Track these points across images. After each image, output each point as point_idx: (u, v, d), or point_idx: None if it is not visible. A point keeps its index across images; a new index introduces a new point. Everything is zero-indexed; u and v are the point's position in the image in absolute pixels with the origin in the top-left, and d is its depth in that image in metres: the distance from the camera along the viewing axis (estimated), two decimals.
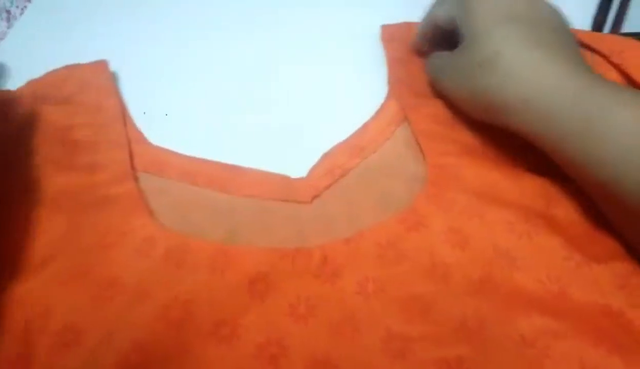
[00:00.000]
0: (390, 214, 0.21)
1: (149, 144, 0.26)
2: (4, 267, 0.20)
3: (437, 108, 0.25)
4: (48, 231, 0.21)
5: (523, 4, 0.22)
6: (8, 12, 0.36)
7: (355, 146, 0.25)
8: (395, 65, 0.28)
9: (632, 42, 0.25)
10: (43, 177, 0.22)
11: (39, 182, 0.22)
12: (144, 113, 0.27)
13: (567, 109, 0.18)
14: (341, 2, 0.34)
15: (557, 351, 0.16)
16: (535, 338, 0.17)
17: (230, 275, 0.19)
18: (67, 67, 0.29)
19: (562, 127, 0.18)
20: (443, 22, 0.25)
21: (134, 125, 0.27)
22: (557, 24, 0.22)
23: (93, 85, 0.28)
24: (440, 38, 0.27)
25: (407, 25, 0.30)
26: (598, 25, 0.30)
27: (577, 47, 0.22)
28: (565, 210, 0.21)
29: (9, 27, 0.35)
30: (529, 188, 0.21)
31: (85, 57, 0.29)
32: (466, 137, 0.24)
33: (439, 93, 0.26)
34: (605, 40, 0.26)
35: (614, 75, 0.24)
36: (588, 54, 0.25)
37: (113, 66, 0.30)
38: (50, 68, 0.29)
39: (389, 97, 0.27)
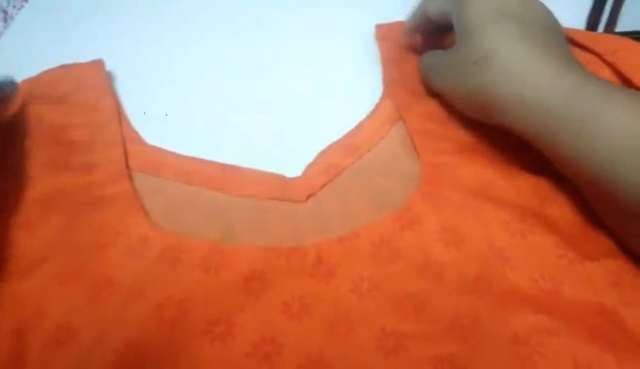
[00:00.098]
0: (385, 213, 0.22)
1: (145, 144, 0.26)
2: None
3: (432, 107, 0.25)
4: (43, 231, 0.21)
5: (516, 2, 0.22)
6: (5, 11, 0.36)
7: (350, 145, 0.25)
8: (389, 65, 0.28)
9: (626, 41, 0.25)
10: (38, 176, 0.23)
11: (34, 182, 0.22)
12: (144, 113, 0.27)
13: (561, 107, 0.18)
14: (336, 2, 0.34)
15: (550, 348, 0.16)
16: (528, 335, 0.17)
17: (225, 274, 0.19)
18: (63, 67, 0.29)
19: (556, 124, 0.18)
20: (435, 16, 0.25)
21: (129, 125, 0.27)
22: (549, 22, 0.22)
23: (89, 84, 0.28)
24: (432, 30, 0.27)
25: (401, 24, 0.30)
26: (592, 24, 0.30)
27: (568, 46, 0.22)
28: (559, 208, 0.21)
29: (5, 27, 0.35)
30: (523, 187, 0.22)
31: (83, 56, 0.29)
32: (461, 135, 0.24)
33: (433, 92, 0.26)
34: (599, 39, 0.26)
35: (607, 73, 0.24)
36: (582, 53, 0.25)
37: (110, 66, 0.30)
38: (48, 68, 0.29)
39: (384, 96, 0.27)
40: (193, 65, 0.31)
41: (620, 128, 0.17)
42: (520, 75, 0.20)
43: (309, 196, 0.23)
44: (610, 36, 0.26)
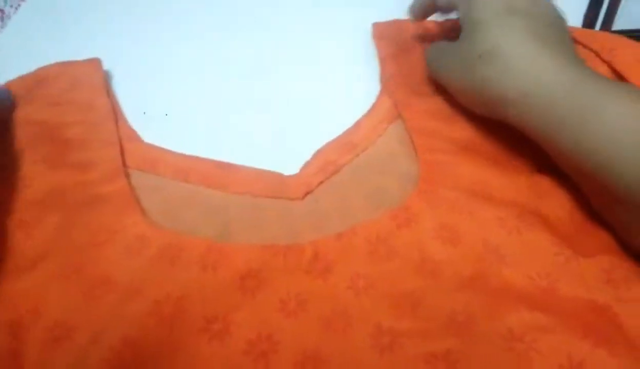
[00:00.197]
0: (382, 211, 0.22)
1: (142, 142, 0.26)
2: None
3: (431, 104, 0.25)
4: (40, 230, 0.21)
5: None
6: (2, 11, 0.36)
7: (348, 143, 0.25)
8: (387, 63, 0.28)
9: (622, 39, 0.25)
10: (35, 175, 0.23)
11: (31, 181, 0.22)
12: (144, 113, 0.27)
13: (563, 102, 0.18)
14: (334, 1, 0.34)
15: (545, 345, 0.17)
16: (523, 332, 0.17)
17: (222, 271, 0.20)
18: (59, 64, 0.29)
19: (558, 119, 0.19)
20: (443, 2, 0.25)
21: (126, 123, 0.27)
22: (554, 19, 0.22)
23: (84, 83, 0.28)
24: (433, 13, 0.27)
25: (398, 22, 0.30)
26: (589, 22, 0.30)
27: (572, 42, 0.22)
28: (555, 207, 0.21)
29: (2, 26, 0.35)
30: (520, 186, 0.22)
31: (81, 56, 0.29)
32: (459, 134, 0.24)
33: (436, 86, 0.26)
34: (596, 37, 0.26)
35: (604, 71, 0.24)
36: (580, 50, 0.25)
37: (109, 65, 0.30)
38: None
39: (381, 93, 0.27)
40: (193, 65, 0.31)
41: (622, 124, 0.17)
42: (524, 70, 0.20)
43: (306, 194, 0.23)
44: (607, 34, 0.26)
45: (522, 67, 0.20)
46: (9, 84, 0.27)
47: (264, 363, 0.17)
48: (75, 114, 0.26)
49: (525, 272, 0.19)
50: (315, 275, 0.20)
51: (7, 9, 0.36)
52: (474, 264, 0.19)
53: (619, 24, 0.30)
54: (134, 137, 0.26)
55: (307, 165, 0.25)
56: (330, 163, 0.24)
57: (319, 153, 0.25)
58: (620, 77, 0.24)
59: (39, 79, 0.28)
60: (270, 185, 0.24)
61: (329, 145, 0.25)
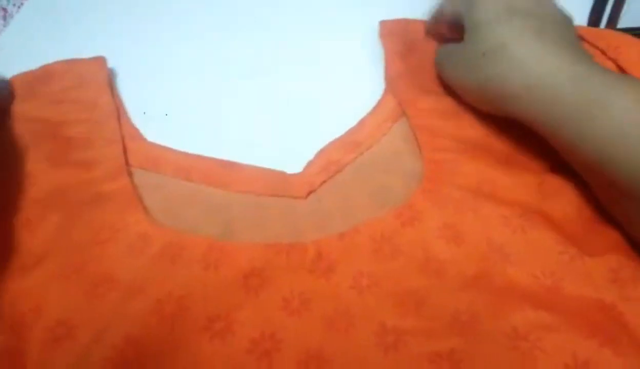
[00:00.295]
0: (385, 209, 0.22)
1: (144, 140, 0.26)
2: None
3: (436, 103, 0.25)
4: (43, 228, 0.21)
5: None
6: (4, 9, 0.36)
7: (352, 142, 0.25)
8: (393, 60, 0.28)
9: (627, 37, 0.25)
10: (37, 173, 0.23)
11: (34, 179, 0.22)
12: (144, 113, 0.27)
13: (569, 96, 0.18)
14: (336, 1, 0.34)
15: (550, 344, 0.16)
16: (528, 331, 0.17)
17: (224, 270, 0.20)
18: (64, 62, 0.29)
19: (564, 113, 0.19)
20: (449, 16, 0.26)
21: (129, 122, 0.27)
22: (559, 17, 0.22)
23: (88, 80, 0.28)
24: (444, 32, 0.27)
25: (406, 21, 0.30)
26: (594, 20, 0.30)
27: (578, 40, 0.22)
28: (560, 205, 0.21)
29: (5, 25, 0.35)
30: (524, 184, 0.22)
31: (82, 55, 0.29)
32: (464, 132, 0.24)
33: (442, 85, 0.26)
34: (602, 35, 0.26)
35: (610, 68, 0.24)
36: (586, 48, 0.25)
37: (110, 65, 0.30)
38: None
39: (386, 92, 0.27)
40: (194, 65, 0.31)
41: (629, 118, 0.17)
42: (529, 65, 0.20)
43: (309, 193, 0.23)
44: (612, 32, 0.26)
45: (526, 61, 0.20)
46: (11, 79, 0.27)
47: (267, 362, 0.17)
48: (79, 112, 0.26)
49: (530, 271, 0.19)
50: (318, 273, 0.19)
51: (10, 8, 0.36)
52: (479, 263, 0.19)
53: (624, 22, 0.30)
54: (137, 135, 0.26)
55: (310, 164, 0.25)
56: (333, 162, 0.24)
57: (322, 152, 0.25)
58: (625, 74, 0.23)
59: (42, 76, 0.28)
60: (273, 184, 0.24)
61: (332, 144, 0.25)
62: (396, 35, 0.29)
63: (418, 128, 0.24)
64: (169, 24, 0.34)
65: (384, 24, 0.30)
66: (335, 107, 0.28)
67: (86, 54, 0.29)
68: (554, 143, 0.20)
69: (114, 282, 0.19)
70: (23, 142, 0.24)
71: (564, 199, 0.21)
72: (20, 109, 0.26)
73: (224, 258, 0.20)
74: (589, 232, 0.20)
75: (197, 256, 0.20)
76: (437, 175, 0.22)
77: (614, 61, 0.24)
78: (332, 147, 0.25)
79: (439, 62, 0.26)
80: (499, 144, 0.23)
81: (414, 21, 0.30)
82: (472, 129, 0.24)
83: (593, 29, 0.27)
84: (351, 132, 0.26)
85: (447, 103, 0.25)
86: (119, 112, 0.27)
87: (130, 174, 0.23)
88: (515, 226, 0.20)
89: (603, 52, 0.25)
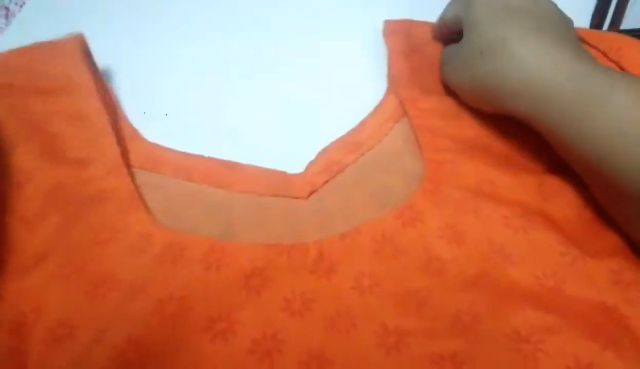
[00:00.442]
0: (387, 210, 0.22)
1: (144, 140, 0.26)
2: None
3: (437, 103, 0.25)
4: (42, 228, 0.21)
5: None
6: (7, 8, 0.36)
7: (353, 142, 0.25)
8: (396, 60, 0.28)
9: (629, 39, 0.25)
10: (32, 169, 0.22)
11: (31, 175, 0.22)
12: (144, 113, 0.27)
13: (567, 93, 0.18)
14: (337, 0, 0.34)
15: (552, 346, 0.16)
16: (530, 333, 0.17)
17: (226, 270, 0.19)
18: (41, 44, 0.27)
19: (562, 110, 0.19)
20: (451, 22, 0.26)
21: (128, 122, 0.27)
22: (558, 17, 0.22)
23: (64, 61, 0.26)
24: (450, 38, 0.27)
25: (410, 21, 0.30)
26: (597, 21, 0.30)
27: (577, 39, 0.22)
28: (562, 206, 0.21)
29: (7, 24, 0.35)
30: (525, 185, 0.22)
31: None
32: (465, 133, 0.24)
33: (444, 86, 0.26)
34: (603, 37, 0.26)
35: None
36: (587, 50, 0.25)
37: (110, 64, 0.30)
38: None
39: (388, 92, 0.27)
40: (193, 64, 0.31)
41: (627, 116, 0.17)
42: (527, 62, 0.20)
43: (310, 193, 0.23)
44: (614, 34, 0.26)
45: (524, 58, 0.20)
46: None
47: (268, 363, 0.17)
48: (59, 96, 0.24)
49: (531, 272, 0.19)
50: (320, 274, 0.19)
51: (12, 7, 0.36)
52: (480, 263, 0.19)
53: (627, 23, 0.30)
54: (136, 135, 0.26)
55: (311, 164, 0.25)
56: (335, 162, 0.24)
57: (323, 152, 0.25)
58: None
59: (18, 57, 0.26)
60: (274, 184, 0.23)
61: (333, 144, 0.25)
62: (400, 36, 0.29)
63: (419, 128, 0.24)
64: (170, 24, 0.34)
65: (388, 24, 0.30)
66: (336, 107, 0.28)
67: None
68: (553, 142, 0.20)
69: (115, 282, 0.19)
70: (12, 139, 0.23)
71: (564, 200, 0.21)
72: (4, 95, 0.24)
73: (225, 258, 0.20)
74: (589, 233, 0.20)
75: (199, 256, 0.20)
76: (438, 176, 0.22)
77: (616, 63, 0.24)
78: (334, 147, 0.25)
79: (441, 64, 0.27)
80: (499, 145, 0.23)
81: (418, 22, 0.30)
82: (473, 130, 0.24)
83: (594, 31, 0.27)
84: (352, 132, 0.26)
85: (449, 103, 0.25)
86: (116, 111, 0.26)
87: (131, 175, 0.23)
88: (516, 226, 0.20)
89: (605, 54, 0.25)
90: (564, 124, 0.19)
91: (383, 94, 0.27)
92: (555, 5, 0.23)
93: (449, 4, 0.27)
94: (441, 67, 0.26)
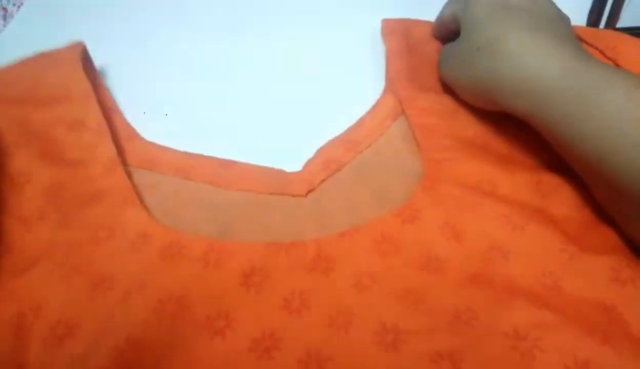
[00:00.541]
0: (385, 208, 0.22)
1: (142, 140, 0.26)
2: None
3: (436, 101, 0.25)
4: (40, 227, 0.21)
5: None
6: (4, 9, 0.36)
7: (351, 140, 0.25)
8: (394, 58, 0.28)
9: (626, 37, 0.25)
10: (31, 171, 0.22)
11: (28, 176, 0.22)
12: (144, 113, 0.27)
13: (564, 89, 0.18)
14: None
15: (549, 343, 0.16)
16: (527, 330, 0.17)
17: (224, 268, 0.19)
18: (41, 54, 0.27)
19: (558, 106, 0.19)
20: (448, 21, 0.26)
21: (125, 121, 0.27)
22: (554, 15, 0.22)
23: (63, 70, 0.26)
24: (449, 37, 0.27)
25: (408, 20, 0.30)
26: (594, 19, 0.30)
27: (575, 37, 0.22)
28: (560, 204, 0.21)
29: (5, 25, 0.35)
30: (524, 183, 0.22)
31: None
32: (463, 131, 0.24)
33: (443, 85, 0.26)
34: (600, 35, 0.26)
35: None
36: (584, 48, 0.25)
37: (108, 64, 0.30)
38: None
39: (385, 91, 0.27)
40: (192, 64, 0.31)
41: (625, 114, 0.17)
42: (522, 59, 0.20)
43: (308, 192, 0.23)
44: (610, 32, 0.26)
45: (520, 55, 0.20)
46: None
47: (268, 361, 0.17)
48: (58, 106, 0.25)
49: (530, 269, 0.19)
50: (318, 272, 0.19)
51: (10, 7, 0.36)
52: (479, 261, 0.19)
53: (624, 21, 0.30)
54: (133, 134, 0.26)
55: (309, 162, 0.25)
56: (333, 160, 0.24)
57: (321, 150, 0.25)
58: None
59: (17, 68, 0.27)
60: (272, 182, 0.23)
61: (331, 143, 0.25)
62: (398, 34, 0.29)
63: (417, 126, 0.24)
64: (168, 24, 0.34)
65: (386, 23, 0.30)
66: (335, 106, 0.28)
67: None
68: (552, 140, 0.20)
69: (114, 281, 0.19)
70: (11, 141, 0.23)
71: (562, 198, 0.21)
72: (2, 104, 0.25)
73: (223, 256, 0.20)
74: (588, 231, 0.20)
75: (197, 255, 0.20)
76: (437, 174, 0.22)
77: (613, 61, 0.24)
78: (331, 146, 0.25)
79: (439, 63, 0.27)
80: (498, 143, 0.23)
81: (417, 21, 0.30)
82: (472, 128, 0.24)
83: (591, 29, 0.27)
84: (350, 130, 0.26)
85: (447, 102, 0.25)
86: (113, 111, 0.26)
87: (128, 174, 0.23)
88: (515, 224, 0.20)
89: (601, 52, 0.25)
90: (562, 123, 0.19)
91: (381, 93, 0.28)
92: (553, 4, 0.23)
93: (447, 2, 0.28)
94: (439, 65, 0.27)
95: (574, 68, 0.19)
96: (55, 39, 0.33)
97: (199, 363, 0.17)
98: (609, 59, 0.25)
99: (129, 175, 0.23)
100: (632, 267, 0.19)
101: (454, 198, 0.21)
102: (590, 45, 0.25)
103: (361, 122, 0.26)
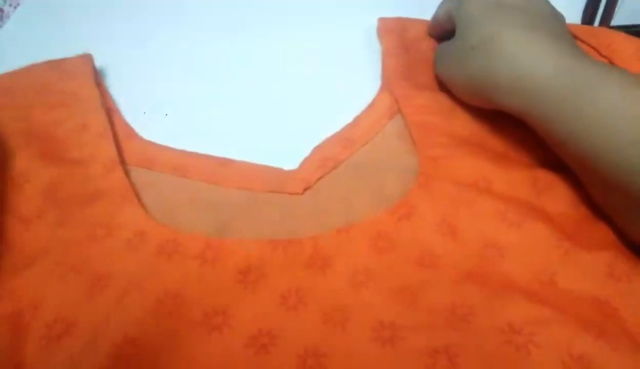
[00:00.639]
0: (382, 205, 0.22)
1: (140, 139, 0.26)
2: None
3: (432, 99, 0.25)
4: (38, 226, 0.21)
5: None
6: (1, 10, 0.36)
7: (347, 138, 0.25)
8: (390, 57, 0.28)
9: (620, 35, 0.25)
10: (30, 171, 0.22)
11: (29, 176, 0.22)
12: (144, 113, 0.27)
13: (559, 87, 0.19)
14: None
15: (544, 338, 0.17)
16: (522, 325, 0.17)
17: (221, 266, 0.20)
18: (49, 61, 0.28)
19: (553, 104, 0.19)
20: (443, 20, 0.26)
21: (124, 121, 0.27)
22: (548, 13, 0.22)
23: (72, 76, 0.27)
24: (444, 36, 0.27)
25: (404, 19, 0.30)
26: (588, 17, 0.30)
27: (569, 34, 0.22)
28: (555, 201, 0.21)
29: (1, 25, 0.35)
30: (519, 180, 0.22)
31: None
32: (459, 128, 0.24)
33: (438, 83, 0.26)
34: (594, 33, 0.26)
35: None
36: (579, 45, 0.25)
37: (107, 65, 0.30)
38: None
39: (382, 89, 0.28)
40: (191, 63, 0.31)
41: (620, 112, 0.17)
42: (516, 57, 0.20)
43: (305, 189, 0.23)
44: (604, 30, 0.26)
45: (514, 53, 0.20)
46: None
47: (265, 357, 0.17)
48: (64, 109, 0.25)
49: (526, 266, 0.19)
50: (315, 269, 0.20)
51: (6, 8, 0.36)
52: (474, 257, 0.19)
53: (618, 19, 0.30)
54: (132, 134, 0.26)
55: (306, 160, 0.25)
56: (329, 158, 0.24)
57: (317, 148, 0.25)
58: None
59: (26, 74, 0.27)
60: (269, 180, 0.24)
61: (328, 141, 0.25)
62: (394, 33, 0.30)
63: (413, 124, 0.24)
64: (168, 23, 0.34)
65: (382, 22, 0.30)
66: (331, 104, 0.28)
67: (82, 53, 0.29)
68: (547, 138, 0.20)
69: (111, 279, 0.19)
70: (13, 142, 0.24)
71: (558, 195, 0.21)
72: (6, 108, 0.25)
73: (221, 254, 0.20)
74: (584, 227, 0.20)
75: (194, 252, 0.20)
76: (433, 171, 0.22)
77: (608, 59, 0.25)
78: (328, 144, 0.25)
79: (435, 61, 0.27)
80: (494, 140, 0.23)
81: (412, 19, 0.30)
82: (468, 126, 0.24)
83: (586, 27, 0.27)
84: (347, 128, 0.26)
85: (443, 100, 0.25)
86: (112, 110, 0.27)
87: (126, 173, 0.23)
88: (511, 221, 0.20)
89: (596, 50, 0.25)
90: (557, 120, 0.19)
91: (377, 91, 0.28)
92: (547, 2, 0.23)
93: (442, 2, 0.28)
94: (435, 63, 0.27)
95: (569, 66, 0.19)
96: (52, 40, 0.33)
97: (196, 360, 0.17)
98: (604, 56, 0.25)
99: (127, 173, 0.23)
100: (627, 263, 0.19)
101: (449, 195, 0.21)
102: (585, 42, 0.25)
103: (358, 120, 0.26)
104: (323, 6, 0.34)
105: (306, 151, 0.25)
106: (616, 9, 0.30)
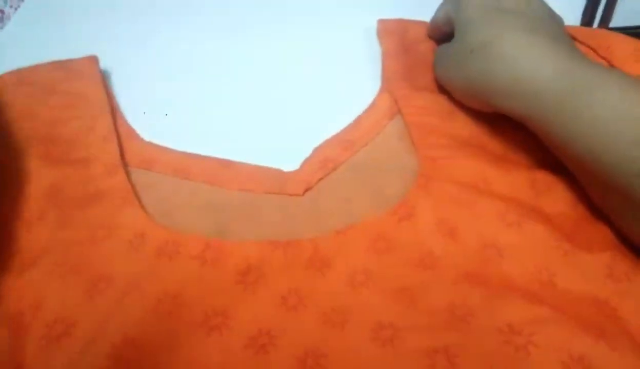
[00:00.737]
0: (382, 206, 0.22)
1: (141, 140, 0.26)
2: None
3: (431, 100, 0.25)
4: (39, 226, 0.21)
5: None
6: (2, 11, 0.36)
7: (348, 140, 0.25)
8: (390, 58, 0.28)
9: (619, 36, 0.25)
10: (33, 171, 0.23)
11: (29, 177, 0.22)
12: (144, 113, 0.28)
13: (557, 89, 0.19)
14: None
15: (544, 338, 0.17)
16: (522, 325, 0.17)
17: (221, 267, 0.20)
18: (56, 61, 0.29)
19: (552, 106, 0.19)
20: (442, 23, 0.27)
21: (125, 121, 0.27)
22: (546, 16, 0.23)
23: (78, 76, 0.27)
24: (443, 38, 0.27)
25: (404, 20, 0.30)
26: (587, 19, 0.30)
27: (568, 36, 0.22)
28: (555, 201, 0.21)
29: (2, 27, 0.35)
30: (519, 180, 0.22)
31: (80, 56, 0.29)
32: (459, 129, 0.24)
33: (438, 85, 0.26)
34: (593, 34, 0.26)
35: None
36: (577, 47, 0.25)
37: (108, 65, 0.30)
38: None
39: (382, 90, 0.28)
40: (191, 64, 0.31)
41: (619, 114, 0.17)
42: (515, 60, 0.20)
43: (305, 191, 0.23)
44: (603, 31, 0.26)
45: (513, 56, 0.20)
46: (2, 76, 0.27)
47: (265, 357, 0.17)
48: (70, 109, 0.26)
49: (524, 266, 0.19)
50: (314, 270, 0.20)
51: (6, 9, 0.36)
52: (474, 258, 0.19)
53: (617, 20, 0.30)
54: (133, 134, 0.26)
55: (306, 161, 0.25)
56: (329, 160, 0.24)
57: (318, 150, 0.25)
58: None
59: (32, 74, 0.28)
60: (269, 182, 0.24)
61: (328, 142, 0.25)
62: (394, 34, 0.30)
63: (413, 125, 0.24)
64: (168, 24, 0.34)
65: (382, 23, 0.31)
66: (331, 105, 0.28)
67: (84, 54, 0.29)
68: (546, 140, 0.20)
69: (111, 280, 0.19)
70: (17, 142, 0.24)
71: (557, 196, 0.21)
72: (11, 108, 0.26)
73: (220, 255, 0.20)
74: (583, 228, 0.20)
75: (194, 253, 0.20)
76: (432, 172, 0.22)
77: (607, 60, 0.25)
78: (328, 145, 0.25)
79: (434, 64, 0.27)
80: (493, 141, 0.23)
81: (412, 21, 0.30)
82: (467, 127, 0.24)
83: (584, 28, 0.27)
84: (347, 130, 0.26)
85: (443, 101, 0.25)
86: (114, 111, 0.27)
87: (127, 174, 0.23)
88: (510, 221, 0.20)
89: (594, 51, 0.25)
90: (557, 123, 0.19)
91: (377, 92, 0.28)
92: (546, 5, 0.23)
93: (441, 4, 0.28)
94: (434, 65, 0.27)
95: (568, 68, 0.19)
96: (53, 41, 0.33)
97: (196, 361, 0.17)
98: (603, 58, 0.25)
99: (127, 175, 0.23)
100: (626, 263, 0.19)
101: (449, 195, 0.21)
102: (584, 44, 0.25)
103: (358, 121, 0.26)
104: (323, 6, 0.34)
105: (306, 152, 0.25)
106: (614, 11, 0.30)
